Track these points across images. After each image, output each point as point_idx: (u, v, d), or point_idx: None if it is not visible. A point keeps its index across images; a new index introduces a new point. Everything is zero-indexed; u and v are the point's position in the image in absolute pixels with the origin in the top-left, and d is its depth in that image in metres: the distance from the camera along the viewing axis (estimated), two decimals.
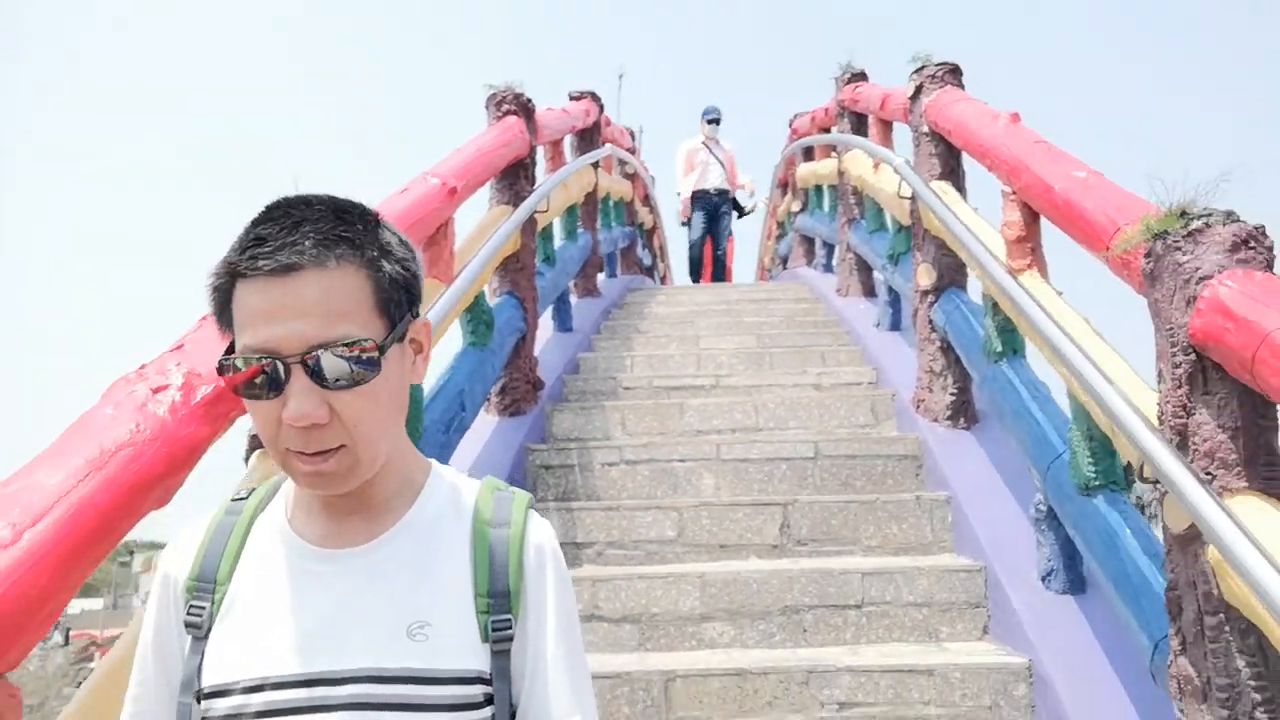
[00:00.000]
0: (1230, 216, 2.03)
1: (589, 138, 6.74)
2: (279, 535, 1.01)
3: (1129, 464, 2.39)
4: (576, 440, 4.17)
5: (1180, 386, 2.03)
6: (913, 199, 4.12)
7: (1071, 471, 2.70)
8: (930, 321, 3.97)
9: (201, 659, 0.96)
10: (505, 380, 4.25)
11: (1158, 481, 2.06)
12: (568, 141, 6.39)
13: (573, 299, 5.99)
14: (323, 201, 0.96)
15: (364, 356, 0.91)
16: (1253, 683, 1.88)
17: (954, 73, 4.02)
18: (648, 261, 9.79)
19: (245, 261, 0.91)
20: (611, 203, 7.77)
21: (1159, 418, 2.10)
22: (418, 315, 1.00)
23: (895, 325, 5.09)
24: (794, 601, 3.09)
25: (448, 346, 3.77)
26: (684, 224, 9.66)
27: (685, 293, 7.72)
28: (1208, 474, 1.95)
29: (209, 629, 0.97)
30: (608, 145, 7.10)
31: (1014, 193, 3.06)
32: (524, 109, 4.56)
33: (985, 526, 3.22)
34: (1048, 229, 2.98)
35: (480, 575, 0.98)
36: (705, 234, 9.47)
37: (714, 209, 9.45)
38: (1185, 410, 2.02)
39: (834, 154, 6.75)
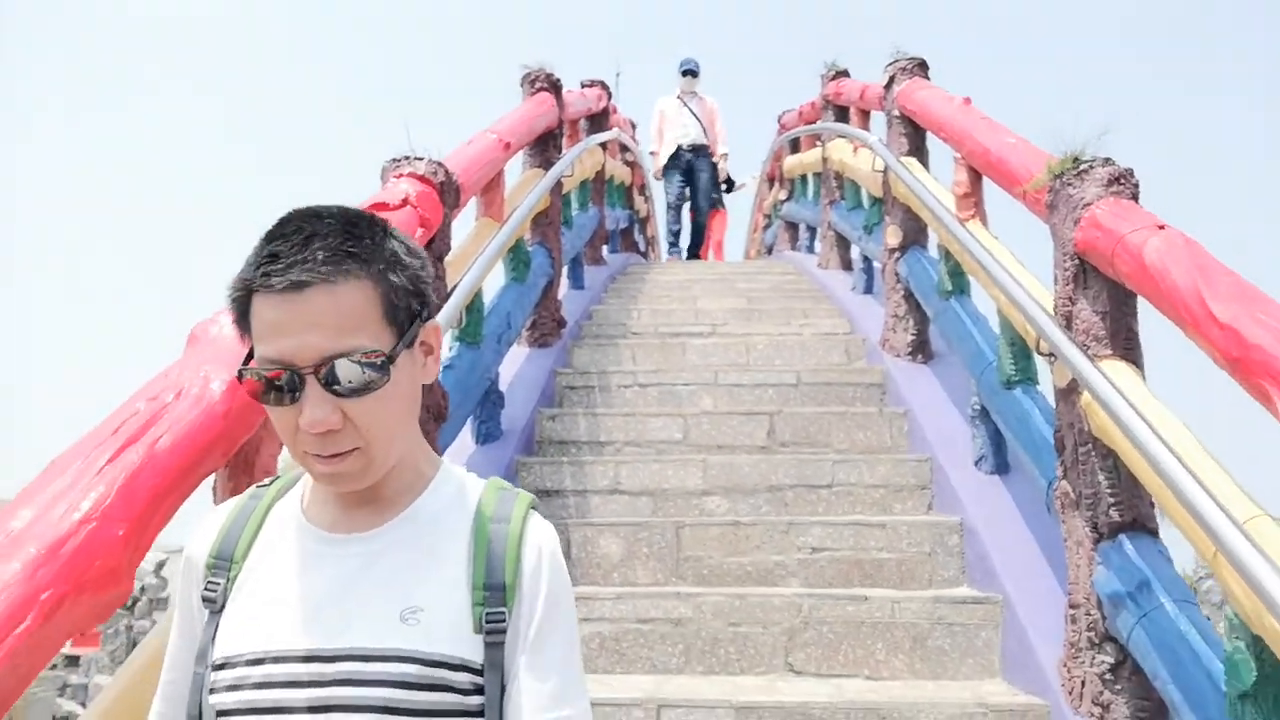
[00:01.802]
0: (1108, 161, 2.79)
1: (599, 123, 7.45)
2: (293, 520, 1.06)
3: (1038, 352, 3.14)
4: (596, 370, 4.88)
5: (1068, 284, 2.79)
6: (885, 172, 4.88)
7: (998, 373, 3.46)
8: (896, 274, 4.73)
9: (215, 632, 1.02)
10: (535, 317, 4.97)
11: (1052, 354, 2.82)
12: (582, 125, 7.11)
13: (584, 265, 6.71)
14: (333, 215, 0.99)
15: (374, 364, 0.96)
16: (1109, 491, 2.63)
17: (921, 66, 4.78)
18: (642, 247, 10.52)
19: (259, 278, 0.96)
20: (615, 184, 8.49)
21: (1054, 308, 2.86)
22: (427, 319, 1.04)
23: (868, 289, 5.84)
24: (778, 482, 3.83)
25: (497, 280, 4.48)
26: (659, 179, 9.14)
27: (681, 266, 8.45)
28: (1085, 345, 2.70)
29: (223, 604, 1.03)
30: (615, 129, 7.82)
31: (962, 158, 3.82)
32: (554, 87, 5.29)
33: (934, 431, 3.97)
34: (988, 187, 3.74)
35: (478, 568, 1.01)
36: (682, 194, 8.92)
37: (689, 167, 8.86)
38: (1070, 301, 2.78)
39: (819, 144, 7.51)
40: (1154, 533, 2.62)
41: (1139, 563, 2.50)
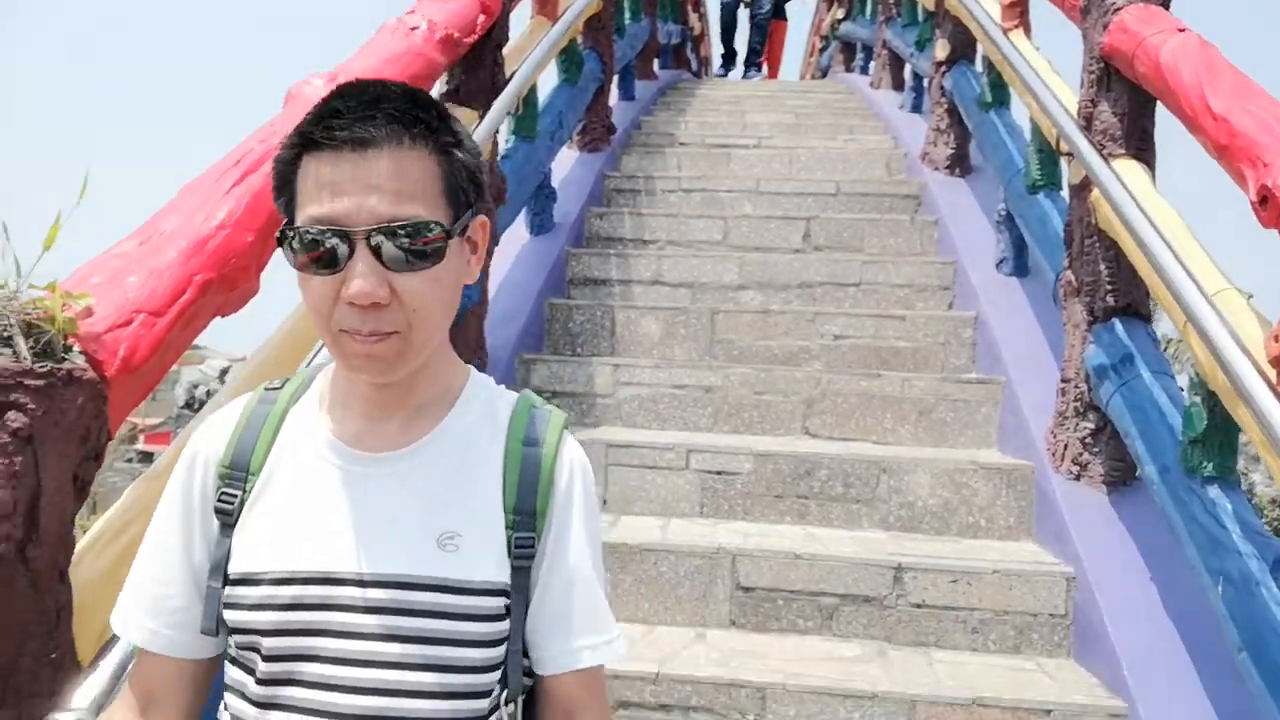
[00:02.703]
0: None
1: None
2: (314, 430, 1.01)
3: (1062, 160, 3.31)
4: (643, 175, 5.10)
5: (1091, 87, 2.94)
6: None
7: (1025, 178, 3.64)
8: (942, 88, 4.82)
9: (230, 545, 0.98)
10: (586, 121, 5.16)
11: (1070, 153, 3.01)
12: None
13: (634, 77, 6.80)
14: (397, 86, 0.96)
15: (430, 239, 0.91)
16: (1107, 278, 2.87)
17: None
18: (694, 65, 10.44)
19: (321, 131, 0.90)
20: None
21: (1077, 111, 3.02)
22: (479, 212, 0.99)
23: (916, 108, 5.91)
24: (809, 279, 4.11)
25: (548, 80, 4.66)
26: None
27: (731, 84, 8.47)
28: (1100, 145, 2.88)
29: (239, 516, 0.98)
30: None
31: None
32: None
33: (961, 238, 4.19)
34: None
35: (509, 492, 0.99)
36: (736, 8, 8.86)
37: None
38: (1092, 103, 2.93)
39: None
40: (1146, 318, 2.88)
41: (1126, 340, 2.77)
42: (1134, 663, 2.39)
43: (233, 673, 1.00)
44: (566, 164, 4.98)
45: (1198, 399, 2.29)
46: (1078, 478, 2.88)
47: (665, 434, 3.33)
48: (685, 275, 4.16)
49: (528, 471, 1.00)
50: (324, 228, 0.90)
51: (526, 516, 0.99)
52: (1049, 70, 3.49)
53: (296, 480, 0.99)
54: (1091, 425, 2.86)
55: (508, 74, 3.44)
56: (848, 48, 9.08)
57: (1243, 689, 2.04)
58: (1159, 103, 2.72)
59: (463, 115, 3.14)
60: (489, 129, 3.17)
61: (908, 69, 6.36)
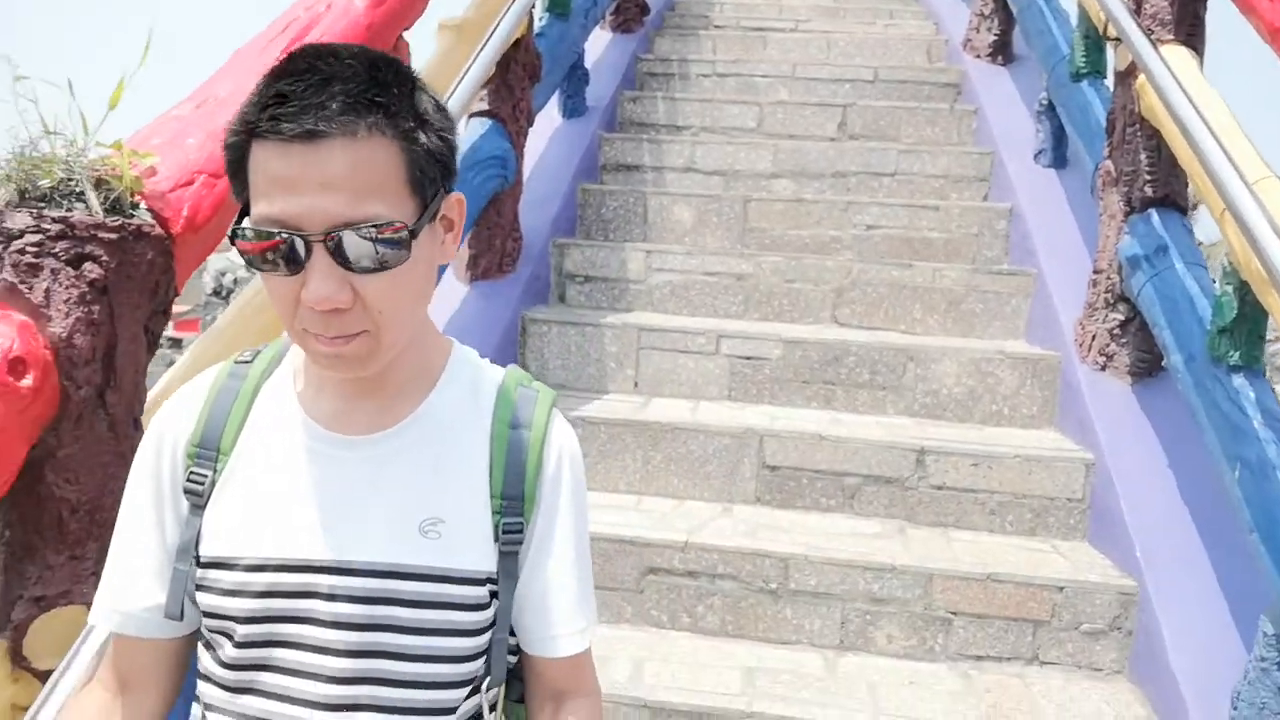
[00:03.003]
0: None
1: None
2: (288, 409, 0.96)
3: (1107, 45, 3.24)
4: (676, 58, 5.02)
5: None
6: None
7: (1069, 65, 3.57)
8: None
9: (200, 527, 0.94)
10: (619, 1, 5.06)
11: (1118, 39, 2.94)
12: None
13: None
14: (354, 55, 0.85)
15: (393, 238, 0.83)
16: (1147, 168, 2.85)
17: None
18: None
19: (265, 121, 0.81)
20: None
21: None
22: (451, 189, 0.92)
23: None
24: (843, 168, 4.08)
25: None
26: None
27: None
28: (1149, 30, 2.81)
29: (209, 497, 0.94)
30: None
31: None
32: None
33: (1000, 128, 4.12)
34: None
35: (496, 477, 0.96)
36: None
37: None
38: None
39: None
40: (1183, 210, 2.86)
41: (1161, 232, 2.76)
42: (1146, 545, 2.47)
43: (204, 657, 0.97)
44: (599, 45, 4.91)
45: (1229, 288, 2.30)
46: (1104, 368, 2.91)
47: (696, 320, 3.38)
48: (719, 163, 4.14)
49: (514, 455, 0.96)
50: (277, 230, 0.82)
51: (514, 502, 0.95)
52: None
53: (270, 462, 0.95)
54: (1121, 316, 2.88)
55: None
56: None
57: (1250, 571, 2.12)
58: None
59: None
60: (525, 4, 3.13)
61: None
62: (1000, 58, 4.65)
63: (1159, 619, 2.32)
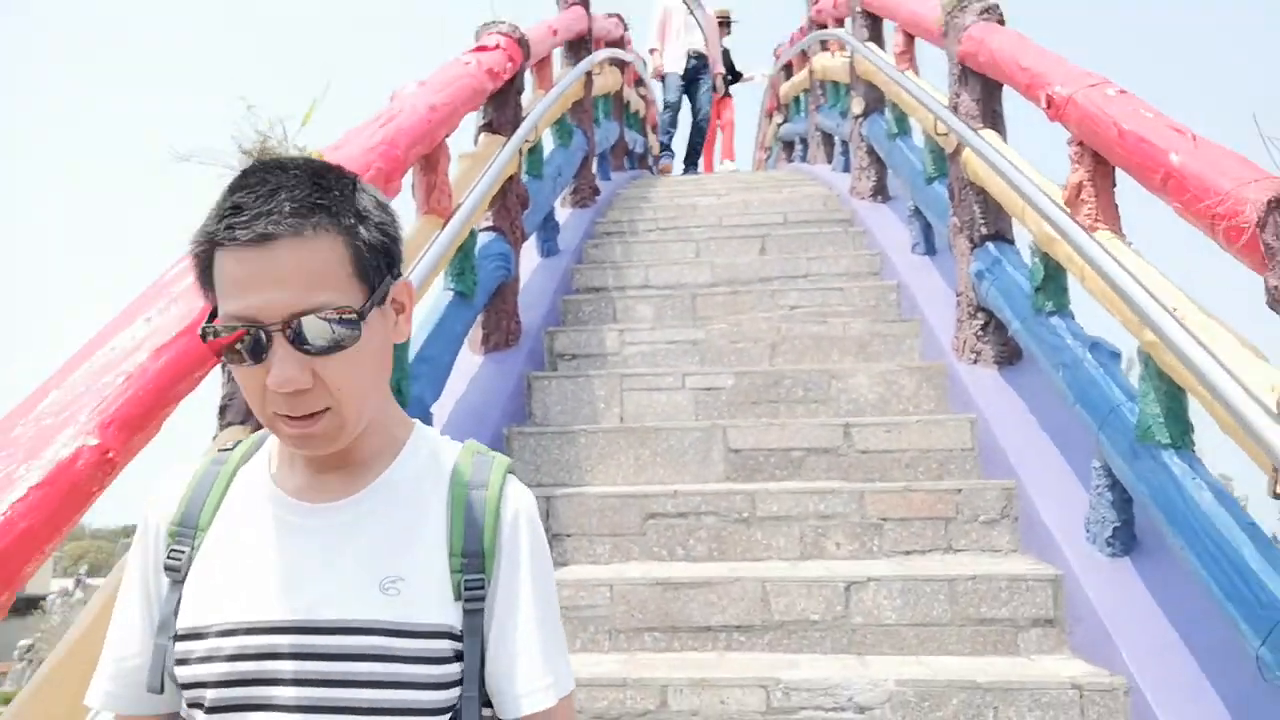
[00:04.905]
0: None
1: (617, 47, 8.70)
2: (260, 486, 1.03)
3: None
4: (627, 220, 6.18)
5: (954, 84, 4.07)
6: (851, 56, 6.15)
7: (923, 175, 4.74)
8: (860, 134, 6.02)
9: (179, 602, 0.99)
10: (576, 183, 6.28)
11: (946, 132, 4.10)
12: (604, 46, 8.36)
13: (610, 164, 8.00)
14: (299, 166, 0.96)
15: (344, 321, 0.92)
16: (980, 216, 3.92)
17: None
18: (654, 170, 11.75)
19: (223, 231, 0.91)
20: (631, 112, 9.74)
21: (947, 103, 4.14)
22: (399, 276, 1.00)
23: (846, 168, 7.09)
24: (767, 274, 5.13)
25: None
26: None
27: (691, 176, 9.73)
28: (966, 121, 3.97)
29: (186, 572, 1.00)
30: (632, 55, 9.04)
31: (898, 26, 5.10)
32: (583, 2, 6.57)
33: (883, 238, 5.26)
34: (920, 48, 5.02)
35: (455, 535, 1.00)
36: (680, 101, 8.85)
37: (693, 77, 8.74)
38: (957, 95, 4.05)
39: (807, 62, 8.76)
40: (1009, 240, 3.91)
41: (996, 253, 3.79)
42: (1021, 463, 3.30)
43: None
44: (562, 217, 6.06)
45: (1037, 259, 3.30)
46: (975, 361, 3.84)
47: (664, 376, 4.27)
48: (668, 279, 5.17)
49: (472, 513, 1.01)
50: (240, 323, 0.92)
51: (474, 559, 0.99)
52: (929, 86, 4.66)
53: (243, 535, 1.01)
54: (981, 321, 3.85)
55: (524, 114, 4.53)
56: (788, 146, 10.44)
57: (1084, 453, 2.95)
58: (1002, 87, 3.84)
59: (493, 142, 4.21)
60: (513, 148, 4.23)
61: (837, 142, 7.62)
62: (880, 197, 5.90)
63: (1034, 503, 3.12)
